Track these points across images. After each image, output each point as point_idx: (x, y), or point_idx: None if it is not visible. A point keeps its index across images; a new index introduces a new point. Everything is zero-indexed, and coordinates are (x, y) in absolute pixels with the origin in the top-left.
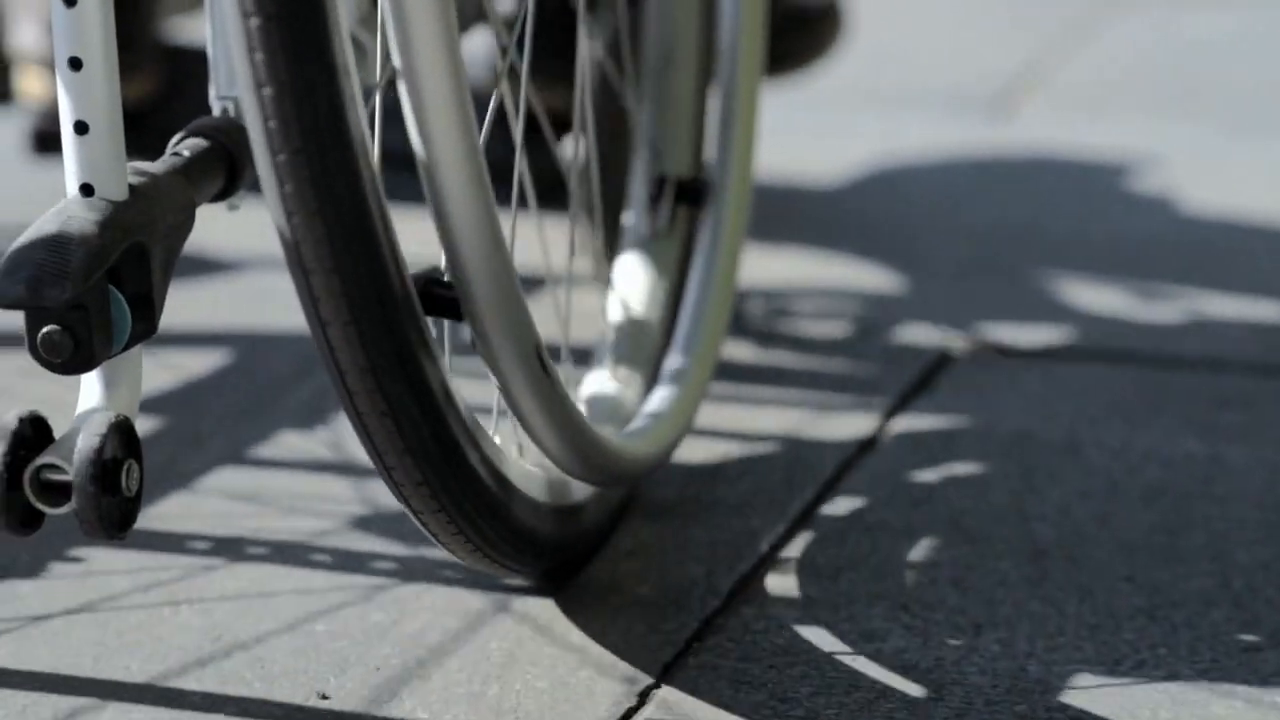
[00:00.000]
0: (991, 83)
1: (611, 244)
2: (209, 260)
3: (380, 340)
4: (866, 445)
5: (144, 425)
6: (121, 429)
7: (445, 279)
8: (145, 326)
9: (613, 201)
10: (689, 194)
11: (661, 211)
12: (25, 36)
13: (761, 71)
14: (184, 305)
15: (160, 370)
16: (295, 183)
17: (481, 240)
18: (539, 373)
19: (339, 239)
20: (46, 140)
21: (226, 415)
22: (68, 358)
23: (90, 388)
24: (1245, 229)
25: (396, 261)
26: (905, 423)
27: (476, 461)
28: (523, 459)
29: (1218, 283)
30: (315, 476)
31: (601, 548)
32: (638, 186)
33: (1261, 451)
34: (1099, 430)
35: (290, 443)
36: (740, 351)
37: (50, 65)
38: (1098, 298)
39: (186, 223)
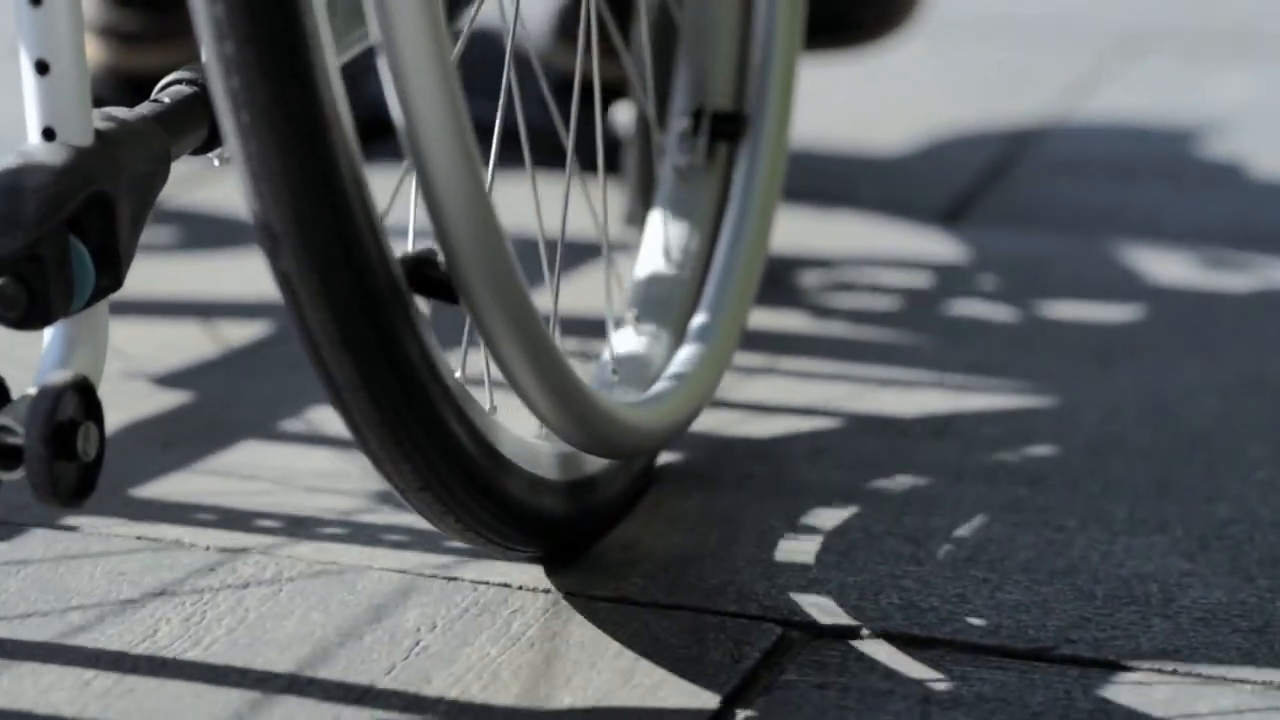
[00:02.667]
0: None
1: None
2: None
3: (353, 310)
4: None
5: (175, 397)
6: (80, 389)
7: (438, 259)
8: (110, 281)
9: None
10: (728, 128)
11: (699, 146)
12: None
13: (802, 29)
14: (229, 272)
15: (205, 339)
16: (259, 147)
17: (468, 202)
18: (534, 339)
19: (306, 208)
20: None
21: (262, 387)
22: (21, 312)
23: (51, 346)
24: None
25: (372, 230)
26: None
27: (463, 435)
28: (540, 434)
29: None
30: (346, 454)
31: (619, 522)
32: (675, 117)
33: None
34: None
35: (326, 419)
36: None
37: (97, 31)
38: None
39: (160, 173)
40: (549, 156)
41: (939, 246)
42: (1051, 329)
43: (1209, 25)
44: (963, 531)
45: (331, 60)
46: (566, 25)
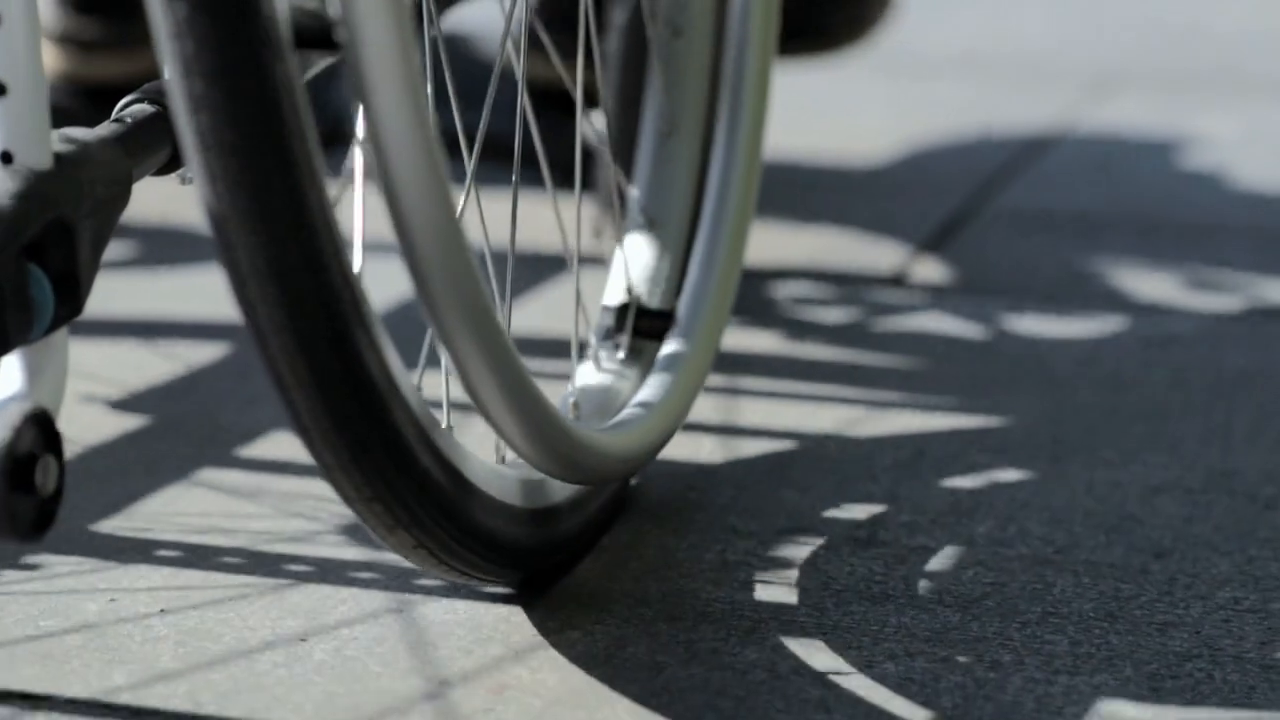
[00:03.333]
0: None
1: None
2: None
3: (314, 330)
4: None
5: (136, 419)
6: (38, 421)
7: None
8: (70, 309)
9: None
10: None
11: (623, 342)
12: None
13: (776, 34)
14: (186, 293)
15: (160, 360)
16: (223, 165)
17: (433, 218)
18: (501, 359)
19: (270, 228)
20: (53, 114)
21: (224, 409)
22: None
23: (9, 376)
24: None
25: (335, 248)
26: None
27: (428, 461)
28: (499, 460)
29: None
30: (303, 479)
31: (589, 550)
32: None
33: None
34: None
35: (289, 442)
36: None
37: (56, 39)
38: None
39: (121, 196)
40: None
41: (879, 315)
42: (998, 413)
43: (1188, 65)
44: (881, 669)
45: (299, 87)
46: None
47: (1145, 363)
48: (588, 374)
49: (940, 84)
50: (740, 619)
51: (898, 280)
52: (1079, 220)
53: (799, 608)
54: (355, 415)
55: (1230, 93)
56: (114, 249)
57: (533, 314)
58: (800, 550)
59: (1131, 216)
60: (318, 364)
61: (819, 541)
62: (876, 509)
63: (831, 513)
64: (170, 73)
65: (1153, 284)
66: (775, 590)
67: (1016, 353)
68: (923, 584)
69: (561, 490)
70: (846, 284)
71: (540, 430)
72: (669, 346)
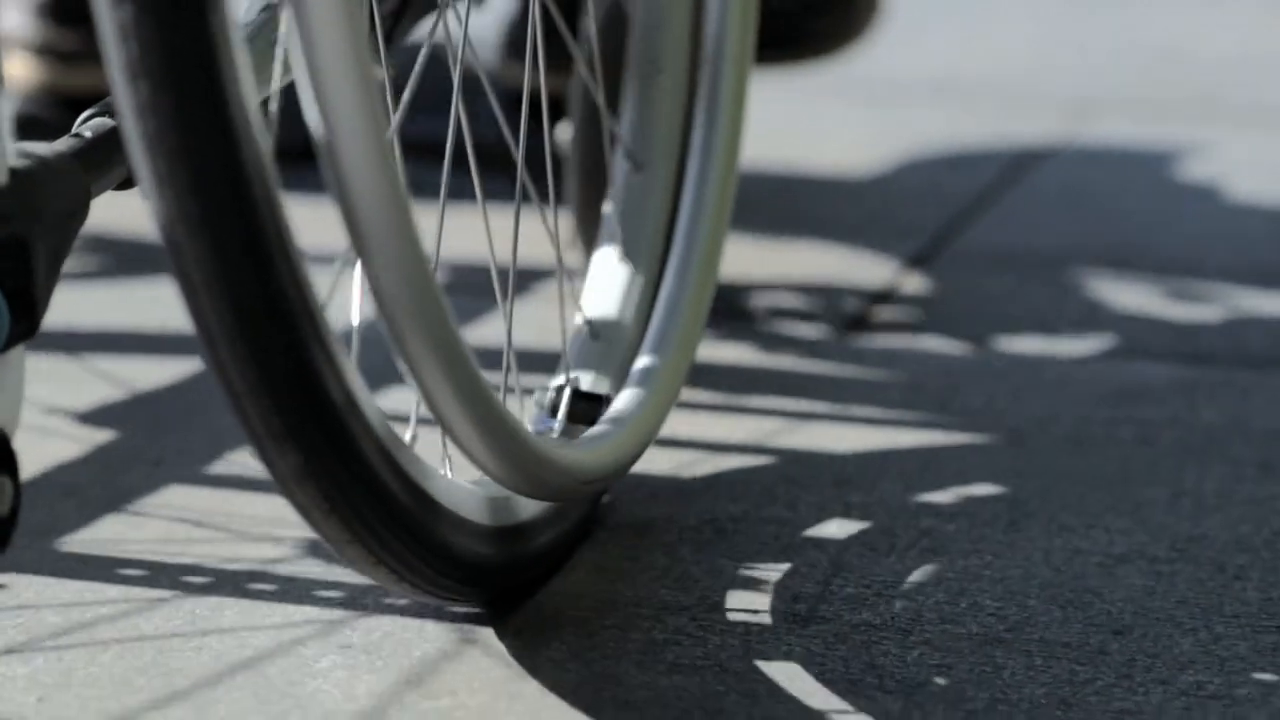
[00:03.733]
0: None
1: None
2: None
3: (265, 340)
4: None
5: (94, 437)
6: None
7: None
8: (26, 326)
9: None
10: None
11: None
12: (9, 21)
13: (752, 47)
14: (131, 305)
15: (97, 381)
16: (172, 179)
17: (387, 224)
18: (462, 374)
19: (219, 236)
20: (32, 125)
21: (177, 428)
22: None
23: None
24: None
25: (287, 256)
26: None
27: (389, 477)
28: (451, 473)
29: None
30: (270, 498)
31: (558, 569)
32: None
33: None
34: None
35: (247, 460)
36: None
37: (35, 50)
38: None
39: (79, 213)
40: (494, 177)
41: (828, 364)
42: (951, 477)
43: (1168, 92)
44: None
45: (251, 100)
46: (516, 43)
47: (1112, 418)
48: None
49: (910, 110)
50: (665, 709)
51: (858, 323)
52: (1049, 256)
53: (728, 694)
54: (309, 427)
55: (1210, 121)
56: (77, 262)
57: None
58: (734, 629)
59: (1105, 252)
60: (269, 374)
61: (755, 618)
62: (819, 579)
63: (771, 582)
64: (115, 77)
65: (1124, 326)
66: (703, 677)
67: (975, 405)
68: (863, 667)
69: (529, 507)
70: (799, 331)
71: (503, 445)
72: (643, 358)
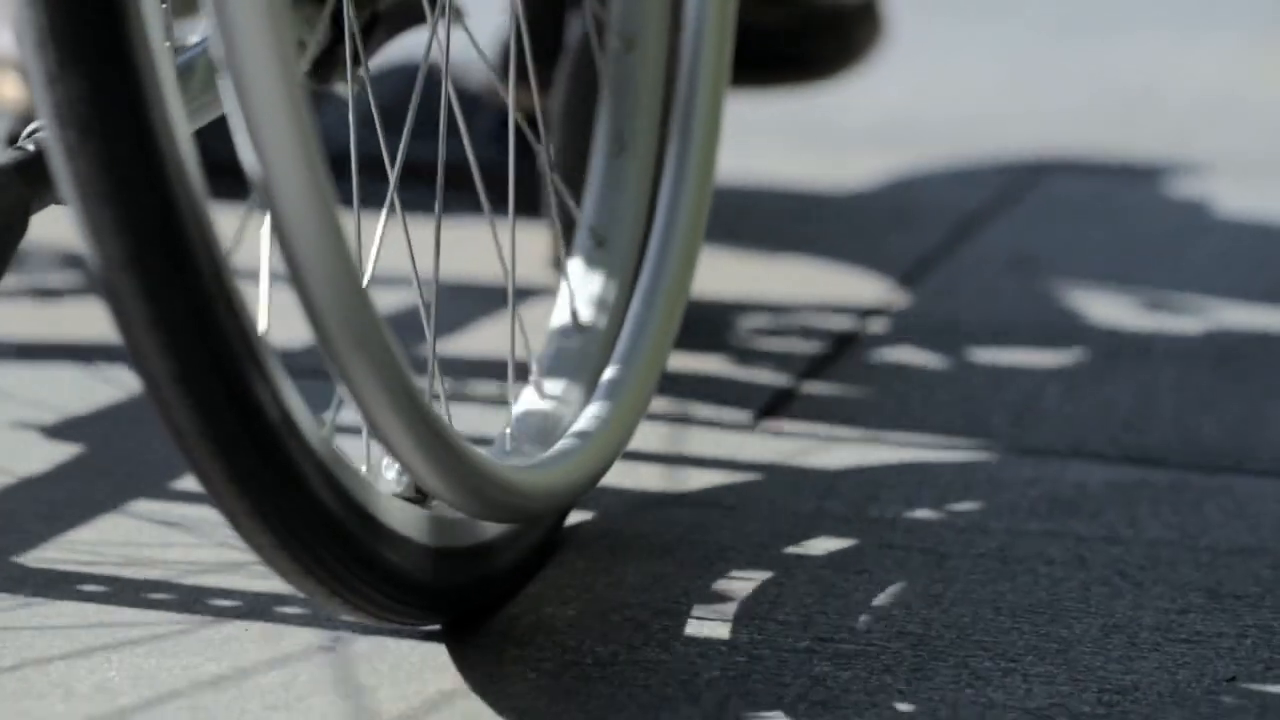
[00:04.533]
0: None
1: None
2: None
3: (195, 354)
4: None
5: (68, 447)
6: None
7: None
8: None
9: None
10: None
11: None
12: (2, 40)
13: (728, 59)
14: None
15: (93, 386)
16: (92, 182)
17: (317, 236)
18: (400, 392)
19: (150, 264)
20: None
21: (155, 437)
22: None
23: None
24: None
25: (214, 264)
26: None
27: (328, 498)
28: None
29: None
30: None
31: (517, 592)
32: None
33: None
34: None
35: None
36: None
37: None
38: None
39: (18, 226)
40: (471, 196)
41: (725, 471)
42: (856, 607)
43: (1136, 140)
44: None
45: (183, 134)
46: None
47: (1045, 531)
48: (527, 401)
49: (855, 157)
50: None
51: (770, 411)
52: (991, 328)
53: None
54: (248, 456)
55: (1181, 172)
56: (44, 276)
57: (477, 341)
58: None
59: (1053, 323)
60: (207, 409)
61: None
62: None
63: None
64: (45, 121)
65: (1066, 417)
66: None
67: (892, 514)
68: None
69: (487, 529)
70: (714, 422)
71: (449, 466)
72: (609, 373)
